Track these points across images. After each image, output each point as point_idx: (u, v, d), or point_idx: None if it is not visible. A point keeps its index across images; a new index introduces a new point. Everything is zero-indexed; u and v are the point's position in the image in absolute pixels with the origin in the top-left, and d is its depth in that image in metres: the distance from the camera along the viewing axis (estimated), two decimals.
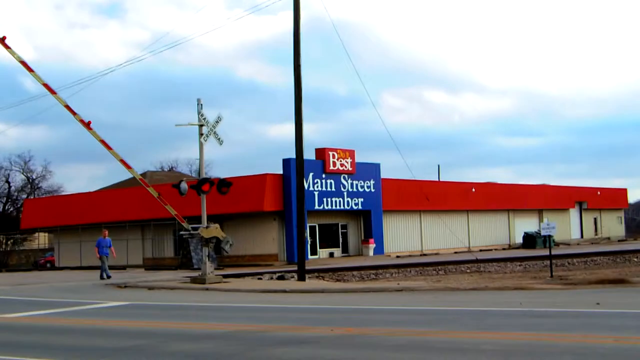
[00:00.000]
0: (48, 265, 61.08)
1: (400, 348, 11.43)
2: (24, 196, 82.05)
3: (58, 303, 22.45)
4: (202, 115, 28.77)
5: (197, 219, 30.45)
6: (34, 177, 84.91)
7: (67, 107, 28.04)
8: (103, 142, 29.19)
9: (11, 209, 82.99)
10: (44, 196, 77.48)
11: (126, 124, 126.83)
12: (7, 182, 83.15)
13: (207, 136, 28.87)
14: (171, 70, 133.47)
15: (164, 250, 53.74)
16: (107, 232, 37.34)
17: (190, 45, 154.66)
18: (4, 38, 26.71)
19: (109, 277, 34.56)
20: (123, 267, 49.82)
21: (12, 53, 27.20)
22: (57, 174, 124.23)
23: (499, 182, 70.03)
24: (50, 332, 15.65)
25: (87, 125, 28.25)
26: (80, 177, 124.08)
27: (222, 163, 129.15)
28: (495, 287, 22.63)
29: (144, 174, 65.30)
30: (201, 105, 28.98)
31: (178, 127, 46.14)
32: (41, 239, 72.18)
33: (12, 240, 69.15)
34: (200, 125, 28.86)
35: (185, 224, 29.29)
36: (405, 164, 54.07)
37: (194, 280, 28.30)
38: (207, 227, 28.13)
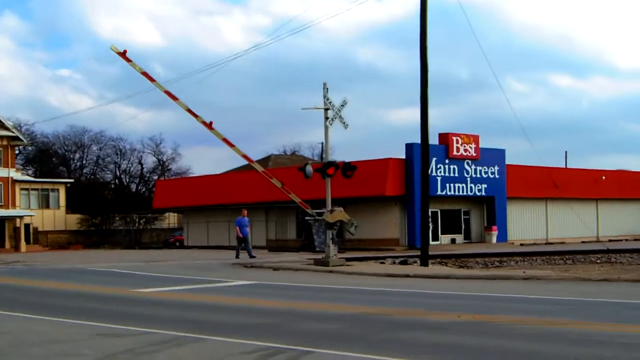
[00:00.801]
0: (177, 244, 63.32)
1: (530, 338, 11.17)
2: (155, 177, 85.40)
3: (188, 280, 23.24)
4: (327, 99, 28.92)
5: (319, 202, 30.69)
6: (165, 159, 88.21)
7: (189, 110, 29.27)
8: (225, 140, 30.42)
9: (143, 189, 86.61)
10: (173, 177, 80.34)
11: (249, 109, 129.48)
12: (140, 163, 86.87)
13: (333, 120, 29.02)
14: (292, 54, 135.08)
15: (287, 232, 54.58)
16: (246, 212, 37.42)
17: (312, 30, 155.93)
18: (124, 52, 27.80)
19: (253, 256, 34.27)
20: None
21: (134, 65, 28.32)
22: (186, 156, 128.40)
23: (632, 169, 67.04)
24: (181, 307, 16.25)
25: (209, 125, 29.32)
26: (206, 159, 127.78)
27: (342, 147, 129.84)
28: (629, 279, 21.71)
29: (267, 157, 66.67)
30: (327, 89, 29.11)
31: (299, 112, 46.60)
32: (171, 219, 74.93)
33: (144, 219, 72.13)
34: (326, 109, 29.02)
35: (309, 211, 29.70)
36: (533, 149, 52.72)
37: (317, 262, 28.62)
38: (331, 212, 28.32)
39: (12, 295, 19.40)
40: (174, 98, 29.12)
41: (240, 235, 35.76)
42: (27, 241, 65.38)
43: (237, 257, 35.04)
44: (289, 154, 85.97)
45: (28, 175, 77.53)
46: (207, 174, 63.52)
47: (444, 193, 48.61)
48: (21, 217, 64.93)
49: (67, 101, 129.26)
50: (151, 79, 28.68)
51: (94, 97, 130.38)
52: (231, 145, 30.61)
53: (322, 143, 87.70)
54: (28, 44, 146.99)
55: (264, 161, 63.98)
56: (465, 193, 50.10)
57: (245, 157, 31.57)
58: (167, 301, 17.61)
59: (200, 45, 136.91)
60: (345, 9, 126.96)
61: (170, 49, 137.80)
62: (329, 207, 28.85)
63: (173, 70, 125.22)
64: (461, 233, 52.09)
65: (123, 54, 27.67)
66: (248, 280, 22.98)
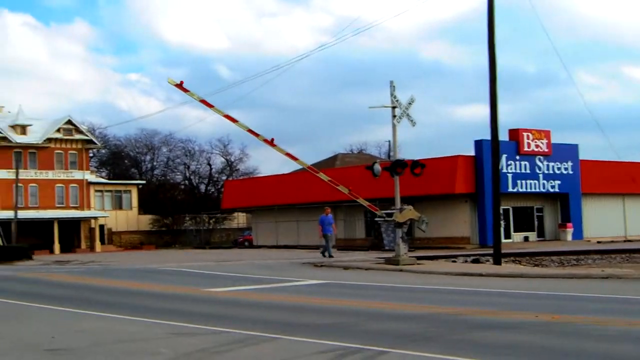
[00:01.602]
0: (246, 243, 63.85)
1: (612, 339, 10.81)
2: (224, 178, 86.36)
3: (259, 279, 23.34)
4: (394, 97, 28.70)
5: (387, 201, 30.47)
6: (233, 159, 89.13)
7: (250, 130, 29.85)
8: (289, 154, 30.89)
9: (212, 190, 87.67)
10: (241, 178, 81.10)
11: (314, 108, 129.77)
12: (209, 164, 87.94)
13: (400, 118, 28.79)
14: (355, 54, 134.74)
15: (355, 231, 54.43)
16: (329, 210, 36.75)
17: (374, 28, 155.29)
18: (181, 83, 28.22)
19: (331, 256, 33.68)
20: (317, 247, 50.98)
21: (192, 94, 28.78)
22: (253, 156, 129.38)
23: None
24: (253, 306, 16.31)
25: (271, 143, 29.59)
26: (273, 159, 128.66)
27: (408, 145, 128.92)
28: None
29: (334, 156, 66.70)
30: (394, 87, 28.88)
31: (365, 110, 46.76)
32: (240, 218, 75.68)
33: (214, 219, 73.05)
34: (393, 107, 28.81)
35: (379, 212, 29.61)
36: (609, 143, 51.28)
37: (387, 261, 28.44)
38: (401, 210, 28.09)
39: (90, 295, 19.79)
40: (233, 120, 29.73)
41: (321, 234, 35.50)
42: (102, 241, 66.98)
43: (323, 255, 34.44)
44: (355, 152, 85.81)
45: (102, 177, 79.37)
46: (274, 174, 63.88)
47: (515, 190, 47.78)
48: (96, 218, 66.54)
49: (136, 105, 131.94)
50: (209, 105, 29.17)
51: (162, 100, 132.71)
52: (295, 158, 31.26)
53: (390, 141, 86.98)
54: (98, 49, 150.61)
55: (330, 160, 64.03)
56: (537, 190, 49.15)
57: (310, 168, 32.01)
58: (239, 300, 17.71)
59: (264, 46, 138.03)
60: (409, 8, 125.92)
61: (235, 51, 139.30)
62: (398, 205, 28.62)
63: (238, 72, 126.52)
64: (534, 231, 51.10)
65: (180, 85, 28.17)
66: (318, 280, 22.95)
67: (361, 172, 54.56)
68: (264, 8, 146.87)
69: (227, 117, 29.53)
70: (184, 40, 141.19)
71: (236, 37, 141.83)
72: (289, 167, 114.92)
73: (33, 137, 65.20)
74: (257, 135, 29.66)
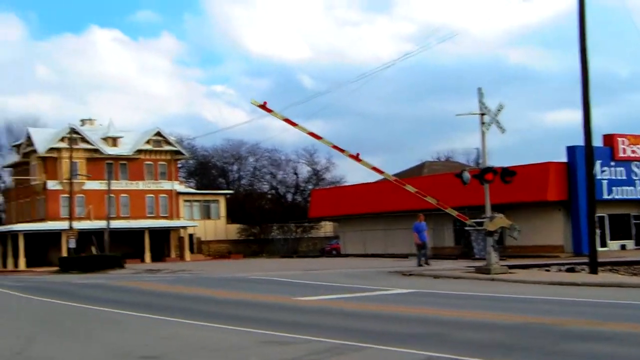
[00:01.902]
0: (334, 252, 63.84)
1: None
2: (310, 187, 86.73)
3: (347, 288, 23.17)
4: (483, 104, 28.16)
5: (476, 209, 29.87)
6: (319, 168, 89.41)
7: (335, 147, 30.10)
8: (375, 168, 30.92)
9: (299, 199, 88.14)
10: (328, 187, 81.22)
11: (399, 116, 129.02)
12: (295, 173, 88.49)
13: (489, 125, 28.22)
14: (439, 60, 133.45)
15: (444, 240, 53.66)
16: (423, 217, 36.11)
17: (459, 34, 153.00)
18: (264, 103, 28.50)
19: (427, 264, 33.16)
20: (405, 256, 50.55)
21: (275, 114, 29.11)
22: (340, 165, 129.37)
23: None
24: (342, 315, 16.16)
25: (357, 158, 29.66)
26: (359, 168, 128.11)
27: (497, 151, 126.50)
28: None
29: (421, 165, 66.00)
30: (482, 93, 28.33)
31: (451, 117, 46.23)
32: (327, 227, 75.77)
33: (301, 228, 73.39)
34: (482, 114, 28.26)
35: (468, 222, 29.10)
36: None
37: (478, 270, 27.83)
38: (491, 219, 27.47)
39: (181, 303, 20.05)
40: (318, 137, 30.05)
41: (419, 241, 34.98)
42: (191, 251, 68.18)
43: (419, 264, 34.10)
44: (442, 160, 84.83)
45: (190, 187, 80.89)
46: (361, 183, 63.64)
47: (610, 197, 46.20)
48: (185, 227, 67.78)
49: (221, 116, 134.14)
50: (293, 124, 29.41)
51: (247, 111, 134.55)
52: (380, 172, 31.41)
53: (478, 148, 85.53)
54: (184, 62, 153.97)
55: (417, 169, 63.41)
56: (634, 196, 47.41)
57: (397, 180, 31.82)
58: (329, 309, 17.60)
59: (347, 55, 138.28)
60: (495, 14, 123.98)
61: (317, 61, 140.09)
62: (489, 213, 28.00)
63: (321, 82, 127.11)
64: (632, 239, 49.22)
65: (264, 106, 28.54)
66: (408, 289, 22.63)
67: (449, 180, 53.74)
68: (346, 17, 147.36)
69: (312, 134, 29.77)
70: (267, 51, 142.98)
71: (318, 47, 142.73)
72: (376, 175, 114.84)
73: (124, 149, 67.06)
74: (342, 150, 29.74)
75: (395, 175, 63.62)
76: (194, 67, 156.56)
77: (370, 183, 62.08)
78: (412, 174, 59.76)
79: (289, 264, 44.11)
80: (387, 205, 54.04)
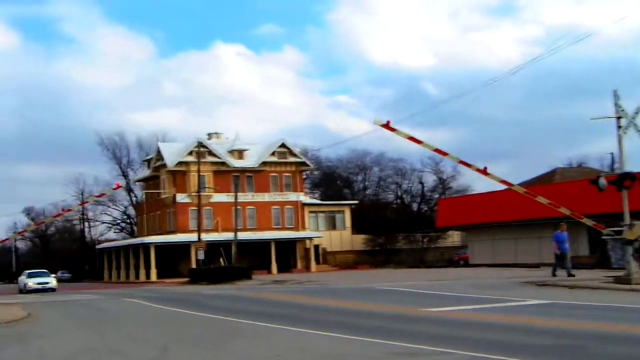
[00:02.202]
0: (461, 262, 62.56)
1: None
2: (436, 196, 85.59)
3: (477, 299, 22.46)
4: (619, 107, 26.74)
5: (613, 216, 28.39)
6: (445, 177, 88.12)
7: (462, 162, 29.85)
8: (504, 181, 30.42)
9: (425, 208, 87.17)
10: (455, 196, 79.85)
11: (524, 122, 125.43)
12: (421, 182, 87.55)
13: (626, 128, 26.75)
14: (567, 63, 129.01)
15: (577, 248, 51.41)
16: (565, 226, 34.34)
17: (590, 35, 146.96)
18: (388, 122, 28.33)
19: (571, 275, 31.59)
20: (536, 265, 48.89)
21: (399, 133, 28.97)
22: (465, 174, 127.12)
23: None
24: (472, 326, 15.58)
25: (485, 172, 29.11)
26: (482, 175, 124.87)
27: (634, 156, 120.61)
28: None
29: (553, 171, 63.71)
30: (618, 96, 26.93)
31: (583, 122, 44.64)
32: (454, 237, 74.43)
33: (427, 238, 72.41)
34: (618, 118, 26.84)
35: (605, 231, 27.74)
36: None
37: (617, 280, 26.37)
38: (630, 227, 25.99)
39: (310, 314, 19.96)
40: (443, 153, 29.90)
41: (558, 251, 33.61)
42: (317, 261, 68.49)
43: (553, 274, 32.80)
44: (574, 166, 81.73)
45: (315, 198, 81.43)
46: (490, 191, 62.11)
47: None
48: (311, 238, 68.22)
49: (344, 126, 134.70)
50: (418, 142, 29.24)
51: (370, 120, 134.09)
52: (509, 184, 30.75)
53: (613, 153, 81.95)
54: (307, 74, 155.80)
55: (549, 175, 61.28)
56: None
57: (527, 193, 30.75)
58: (458, 320, 17.00)
59: (470, 61, 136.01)
60: (628, 13, 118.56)
61: (440, 68, 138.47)
62: (627, 221, 26.52)
63: (445, 89, 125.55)
64: None
65: (387, 125, 28.48)
66: (542, 300, 21.63)
67: (582, 187, 51.44)
68: (469, 22, 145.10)
69: (437, 150, 29.48)
70: (390, 60, 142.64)
71: (442, 54, 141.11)
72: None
73: (249, 161, 68.31)
74: (469, 165, 29.26)
75: (525, 182, 61.92)
76: (317, 78, 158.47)
77: (500, 191, 60.36)
78: (543, 181, 57.78)
79: (416, 275, 43.44)
80: (517, 213, 52.43)
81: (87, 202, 78.69)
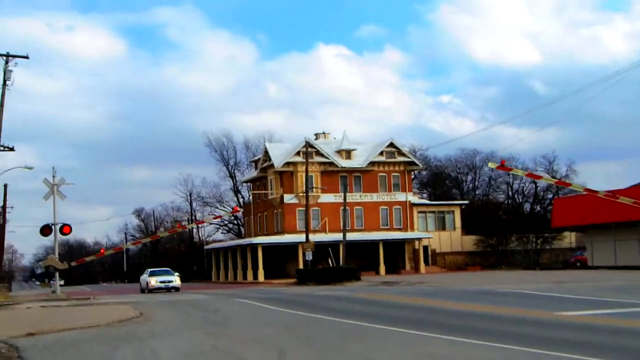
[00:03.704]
0: (578, 264, 59.66)
1: None
2: (550, 196, 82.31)
3: (612, 303, 20.77)
4: None
5: None
6: (559, 176, 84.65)
7: (587, 189, 27.60)
8: (636, 203, 28.21)
9: (538, 208, 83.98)
10: (570, 195, 76.40)
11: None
12: (534, 182, 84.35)
13: None
14: None
15: None
16: None
17: None
18: (502, 163, 27.53)
19: None
20: None
21: (517, 171, 28.95)
22: (581, 172, 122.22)
23: None
24: (615, 332, 14.08)
25: (613, 196, 27.89)
26: (600, 174, 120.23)
27: None
28: None
29: None
30: None
31: None
32: (569, 238, 71.20)
33: (541, 239, 69.46)
34: None
35: None
36: None
37: None
38: None
39: (431, 317, 18.71)
40: (566, 184, 28.28)
41: None
42: (426, 262, 66.78)
43: None
44: None
45: (423, 199, 79.64)
46: (610, 189, 58.95)
47: None
48: (420, 239, 66.58)
49: (448, 125, 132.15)
50: (537, 177, 28.00)
51: (475, 120, 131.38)
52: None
53: None
54: (409, 75, 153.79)
55: None
56: None
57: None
58: (599, 326, 15.46)
59: (579, 57, 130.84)
60: None
61: (548, 65, 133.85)
62: None
63: (553, 86, 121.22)
64: None
65: (502, 166, 27.48)
66: None
67: None
68: (578, 18, 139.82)
69: (560, 182, 28.02)
70: (495, 58, 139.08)
71: (549, 50, 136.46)
72: (623, 182, 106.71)
73: (357, 161, 67.18)
74: (595, 192, 27.87)
75: None
76: (419, 78, 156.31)
77: (621, 189, 57.33)
78: None
79: (534, 277, 41.35)
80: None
81: (203, 222, 79.46)
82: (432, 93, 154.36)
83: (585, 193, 52.08)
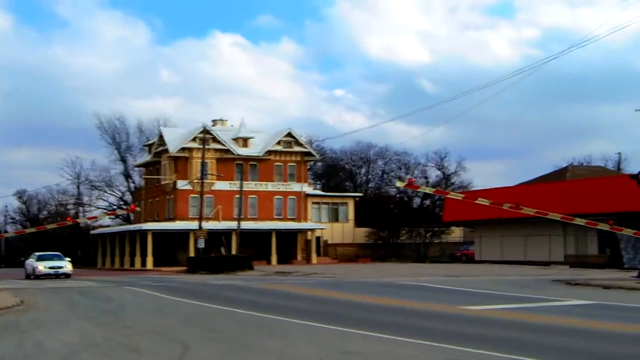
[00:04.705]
0: (464, 258, 61.02)
1: None
2: None
3: (512, 297, 20.95)
4: None
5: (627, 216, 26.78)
6: (449, 172, 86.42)
7: (494, 203, 28.13)
8: (539, 212, 31.79)
9: (428, 203, 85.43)
10: (457, 191, 78.11)
11: (522, 122, 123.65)
12: (425, 177, 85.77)
13: None
14: (563, 66, 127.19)
15: (587, 247, 50.10)
16: None
17: (582, 39, 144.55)
18: (410, 181, 28.28)
19: None
20: (547, 264, 47.45)
21: (424, 189, 29.94)
22: (469, 169, 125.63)
23: None
24: (525, 328, 14.12)
25: (516, 207, 30.39)
26: (486, 172, 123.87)
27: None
28: None
29: (564, 169, 62.15)
30: None
31: (574, 125, 44.11)
32: (456, 233, 72.79)
33: (430, 233, 70.69)
34: None
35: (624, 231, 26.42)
36: None
37: None
38: None
39: (338, 310, 18.18)
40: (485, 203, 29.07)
41: None
42: (317, 253, 66.65)
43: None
44: (577, 165, 79.99)
45: (316, 190, 79.55)
46: (501, 187, 60.46)
47: None
48: (313, 230, 66.43)
49: (341, 119, 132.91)
50: (444, 193, 29.73)
51: (368, 115, 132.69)
52: (544, 214, 31.62)
53: (620, 153, 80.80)
54: (304, 66, 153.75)
55: (560, 173, 59.79)
56: None
57: (538, 212, 30.19)
58: (504, 321, 15.38)
59: (467, 60, 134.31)
60: (626, 23, 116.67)
61: (437, 65, 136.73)
62: None
63: (442, 86, 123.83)
64: None
65: (410, 184, 28.82)
66: (583, 300, 20.05)
67: (594, 185, 50.51)
68: (468, 21, 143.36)
69: (482, 200, 28.97)
70: (387, 55, 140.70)
71: (438, 51, 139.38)
72: (505, 180, 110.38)
73: (254, 149, 66.32)
74: (500, 205, 28.89)
75: (536, 179, 60.33)
76: (314, 71, 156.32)
77: (510, 187, 59.05)
78: (555, 179, 56.31)
79: (426, 270, 41.77)
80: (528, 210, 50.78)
81: (95, 217, 75.97)
82: (326, 86, 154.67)
83: (477, 189, 53.24)
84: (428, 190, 27.89)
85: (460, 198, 29.36)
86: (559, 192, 50.25)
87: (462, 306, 18.16)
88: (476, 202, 30.95)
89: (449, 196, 29.30)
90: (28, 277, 41.90)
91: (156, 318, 16.96)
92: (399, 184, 28.45)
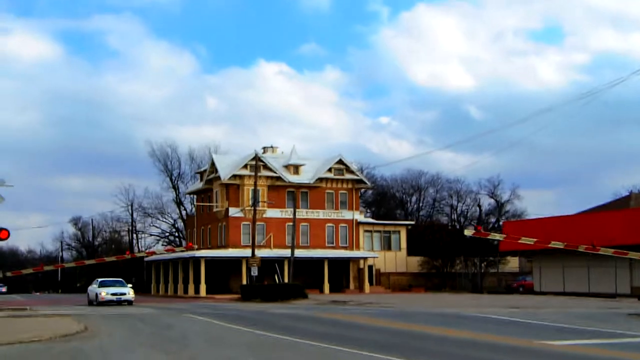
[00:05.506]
0: (520, 289, 59.55)
1: None
2: (492, 220, 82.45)
3: (592, 332, 20.07)
4: None
5: None
6: (502, 201, 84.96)
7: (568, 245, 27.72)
8: (617, 252, 30.34)
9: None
10: (518, 220, 76.47)
11: (574, 149, 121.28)
12: (478, 205, 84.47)
13: None
14: (614, 90, 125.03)
15: None
16: None
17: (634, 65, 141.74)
18: (478, 229, 29.60)
19: None
20: (612, 296, 45.84)
21: (494, 236, 29.30)
22: (524, 197, 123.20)
23: None
24: None
25: (594, 249, 28.91)
26: (543, 200, 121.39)
27: None
28: None
29: (627, 197, 60.43)
30: None
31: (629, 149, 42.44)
32: (513, 263, 71.22)
33: (485, 263, 69.27)
34: None
35: None
36: None
37: None
38: None
39: (400, 340, 17.42)
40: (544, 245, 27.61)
41: None
42: (370, 282, 65.70)
43: None
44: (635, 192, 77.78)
45: (367, 217, 78.78)
46: (561, 215, 58.94)
47: None
48: (365, 258, 65.55)
49: (387, 146, 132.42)
50: (515, 239, 28.20)
51: (413, 142, 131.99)
52: (625, 254, 30.39)
53: None
54: (349, 94, 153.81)
55: (623, 201, 58.08)
56: None
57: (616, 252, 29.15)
58: (588, 357, 14.43)
59: (514, 85, 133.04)
60: None
61: (483, 91, 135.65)
62: None
63: (488, 112, 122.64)
64: None
65: (478, 232, 28.24)
66: None
67: None
68: (513, 47, 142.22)
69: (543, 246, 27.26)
70: (433, 82, 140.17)
71: (484, 77, 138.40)
72: (556, 208, 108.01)
73: (305, 177, 65.87)
74: (575, 247, 28.02)
75: (595, 208, 58.69)
76: (358, 98, 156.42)
77: (571, 215, 57.50)
78: (618, 206, 54.72)
79: (485, 301, 40.67)
80: (591, 239, 49.22)
81: (153, 252, 76.13)
82: (371, 114, 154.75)
83: (536, 217, 51.67)
84: (498, 237, 27.34)
85: (532, 243, 28.49)
86: (622, 221, 48.69)
87: (538, 340, 17.26)
88: (549, 245, 29.88)
89: (520, 241, 28.48)
90: (90, 303, 41.62)
91: (220, 347, 16.44)
92: (467, 232, 27.76)
